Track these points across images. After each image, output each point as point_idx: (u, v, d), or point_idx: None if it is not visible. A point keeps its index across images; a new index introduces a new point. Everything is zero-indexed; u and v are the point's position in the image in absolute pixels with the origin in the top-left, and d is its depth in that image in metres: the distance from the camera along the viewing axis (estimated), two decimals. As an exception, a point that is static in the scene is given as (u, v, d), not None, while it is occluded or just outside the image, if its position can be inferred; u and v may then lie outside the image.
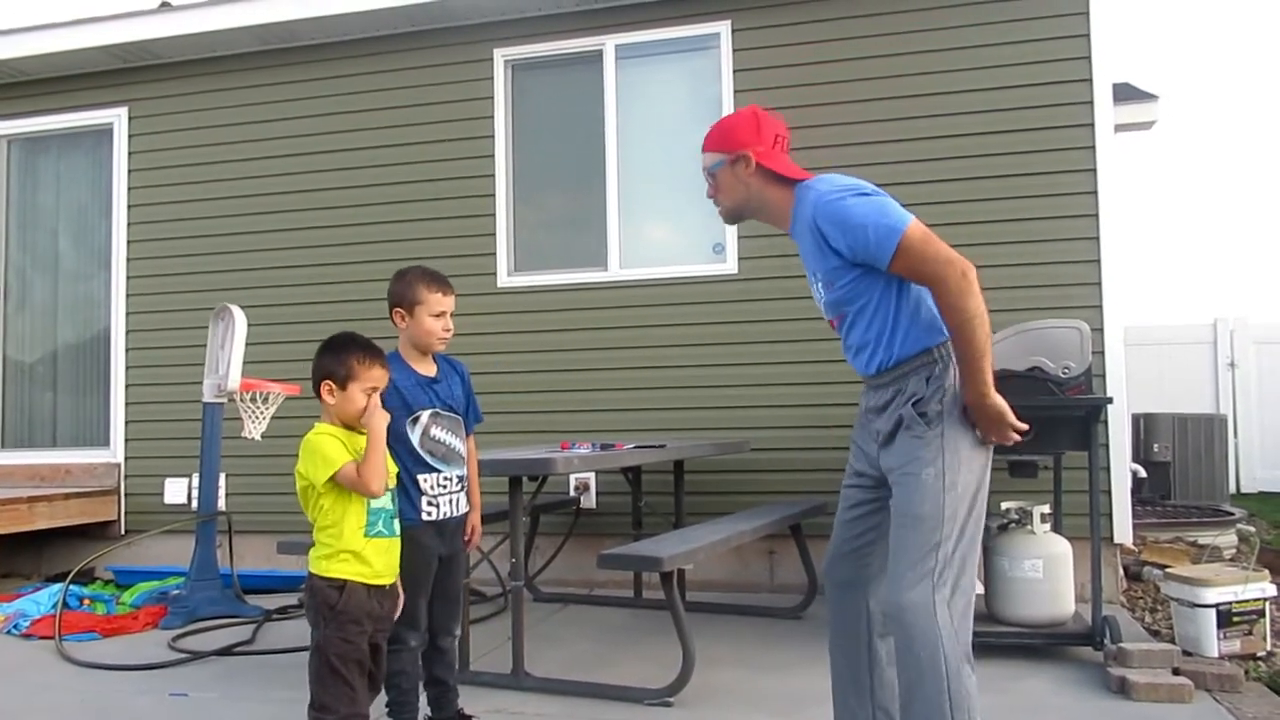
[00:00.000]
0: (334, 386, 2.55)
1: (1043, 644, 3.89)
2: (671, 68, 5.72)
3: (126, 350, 6.33)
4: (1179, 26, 29.89)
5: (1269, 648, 3.88)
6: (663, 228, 5.72)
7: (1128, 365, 4.95)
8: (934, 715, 2.15)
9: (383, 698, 2.80)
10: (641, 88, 5.70)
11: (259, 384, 4.98)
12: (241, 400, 4.92)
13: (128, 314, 6.33)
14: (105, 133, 6.50)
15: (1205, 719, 3.16)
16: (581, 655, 4.04)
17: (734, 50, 5.48)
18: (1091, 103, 4.97)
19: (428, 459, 2.87)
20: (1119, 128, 6.10)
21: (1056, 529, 4.16)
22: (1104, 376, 4.81)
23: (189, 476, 5.93)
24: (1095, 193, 4.94)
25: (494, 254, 5.74)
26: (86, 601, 5.06)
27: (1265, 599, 3.88)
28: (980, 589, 3.94)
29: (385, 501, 2.59)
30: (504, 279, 5.75)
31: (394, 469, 2.69)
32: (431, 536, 2.89)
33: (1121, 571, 5.05)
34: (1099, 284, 4.92)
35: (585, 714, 3.29)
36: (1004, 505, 4.12)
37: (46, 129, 6.64)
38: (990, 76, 5.13)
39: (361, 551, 2.52)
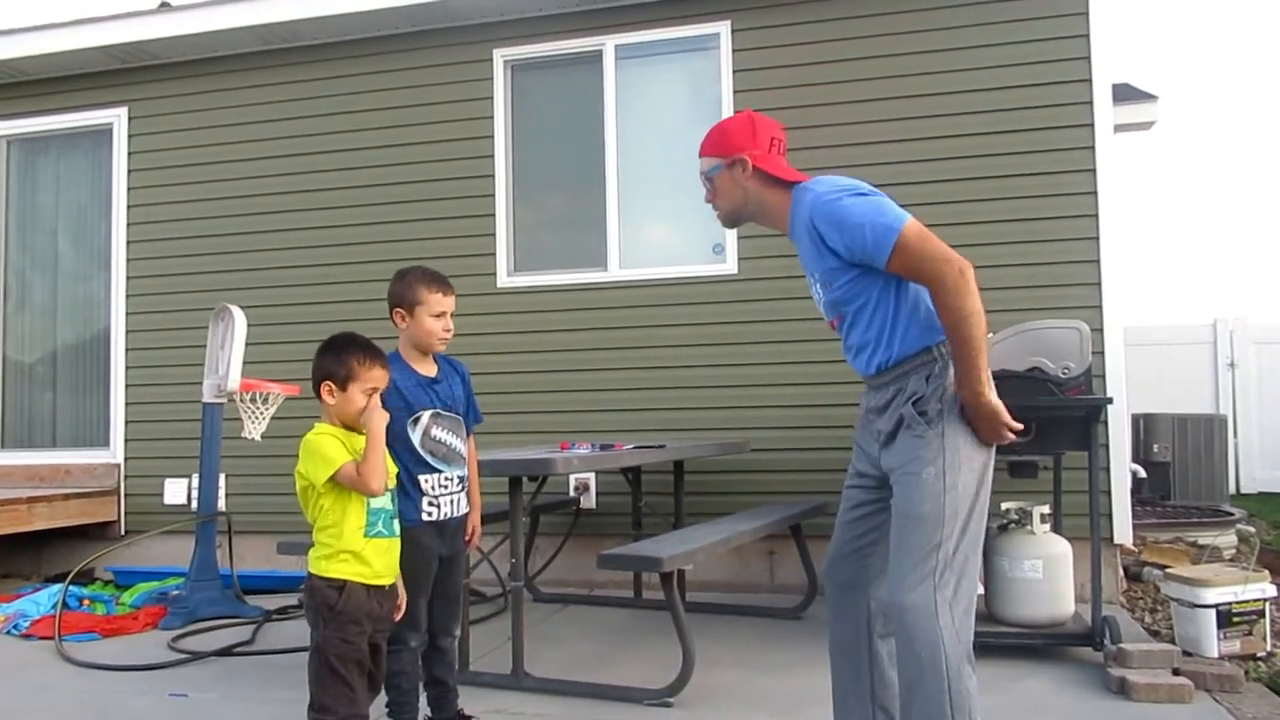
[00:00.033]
0: (334, 387, 2.55)
1: (1043, 644, 3.89)
2: (671, 68, 5.72)
3: (126, 350, 6.33)
4: (1179, 26, 29.91)
5: (1269, 648, 3.88)
6: (662, 228, 5.72)
7: (1127, 365, 4.95)
8: (935, 715, 2.15)
9: (383, 698, 2.80)
10: (641, 88, 5.70)
11: (259, 384, 4.98)
12: (241, 400, 4.92)
13: (128, 314, 6.33)
14: (105, 133, 6.50)
15: (1205, 719, 3.16)
16: (581, 655, 4.04)
17: (734, 50, 5.48)
18: (1091, 103, 4.97)
19: (428, 459, 2.87)
20: (1119, 128, 6.11)
21: (1056, 529, 4.17)
22: (1104, 377, 4.81)
23: (189, 477, 5.93)
24: (1095, 193, 4.95)
25: (494, 254, 5.75)
26: (86, 602, 5.06)
27: (1265, 599, 3.88)
28: (980, 589, 3.94)
29: (385, 502, 2.59)
30: (504, 279, 5.75)
31: (393, 469, 2.68)
32: (432, 537, 2.89)
33: (1121, 572, 5.05)
34: (1099, 284, 4.92)
35: (585, 714, 3.29)
36: (1004, 505, 4.12)
37: (46, 129, 6.64)
38: (990, 76, 5.13)
39: (361, 552, 2.52)
